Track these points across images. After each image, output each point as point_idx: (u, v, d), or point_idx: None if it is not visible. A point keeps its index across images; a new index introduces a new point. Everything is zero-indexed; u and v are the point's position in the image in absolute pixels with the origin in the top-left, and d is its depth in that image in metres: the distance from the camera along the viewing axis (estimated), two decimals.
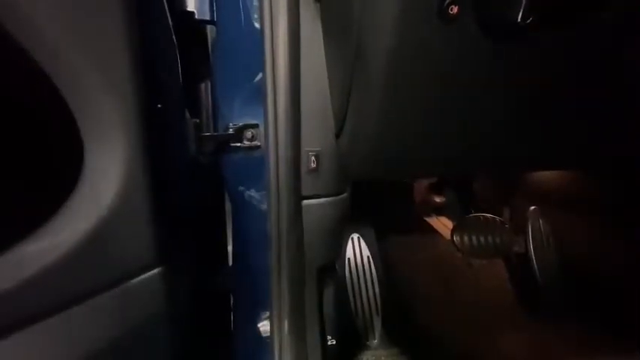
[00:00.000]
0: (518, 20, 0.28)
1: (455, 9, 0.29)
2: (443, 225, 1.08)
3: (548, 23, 0.31)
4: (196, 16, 0.53)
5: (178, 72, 0.47)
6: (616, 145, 0.50)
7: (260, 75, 0.49)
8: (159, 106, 0.41)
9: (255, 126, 0.52)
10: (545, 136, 0.45)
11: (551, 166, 0.66)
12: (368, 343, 0.81)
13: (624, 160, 0.56)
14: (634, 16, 0.33)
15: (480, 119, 0.40)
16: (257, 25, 0.48)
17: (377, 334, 0.81)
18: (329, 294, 0.81)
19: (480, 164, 0.53)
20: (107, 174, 0.34)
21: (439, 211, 1.12)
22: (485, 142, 0.44)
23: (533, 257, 0.91)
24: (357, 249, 0.86)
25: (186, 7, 0.52)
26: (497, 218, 0.96)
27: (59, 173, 0.35)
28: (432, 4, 0.30)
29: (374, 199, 0.94)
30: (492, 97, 0.38)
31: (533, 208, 0.93)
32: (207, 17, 0.54)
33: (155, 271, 0.38)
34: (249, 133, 0.52)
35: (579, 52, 0.35)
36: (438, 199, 1.12)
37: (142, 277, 0.37)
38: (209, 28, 0.56)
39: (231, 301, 0.64)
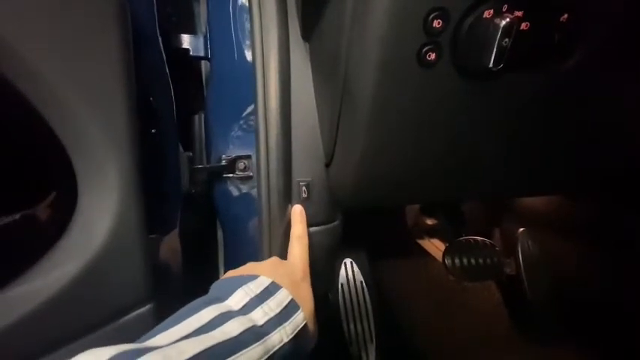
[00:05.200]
0: (490, 66, 0.31)
1: (432, 55, 0.32)
2: (435, 247, 1.08)
3: (519, 68, 0.34)
4: (191, 53, 0.55)
5: (172, 109, 0.49)
6: (596, 169, 0.52)
7: (252, 108, 0.51)
8: (153, 140, 0.42)
9: (248, 157, 0.53)
10: (527, 164, 0.47)
11: (537, 192, 0.68)
12: None
13: (609, 183, 0.58)
14: (591, 67, 0.36)
15: (462, 150, 0.42)
16: (249, 60, 0.51)
17: None
18: (322, 321, 0.80)
19: (464, 193, 0.55)
20: (100, 211, 0.34)
21: (431, 233, 1.13)
22: (469, 172, 0.46)
23: (525, 279, 0.91)
24: (350, 274, 0.86)
25: (181, 44, 0.55)
26: (488, 241, 0.97)
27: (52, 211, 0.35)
28: (412, 49, 0.32)
29: (366, 223, 0.94)
30: (474, 130, 0.41)
31: (522, 229, 0.95)
32: (202, 54, 0.56)
33: (148, 306, 0.38)
34: (241, 164, 0.53)
35: (552, 88, 0.38)
36: (429, 222, 1.13)
37: (135, 313, 0.37)
38: (203, 63, 0.59)
39: None
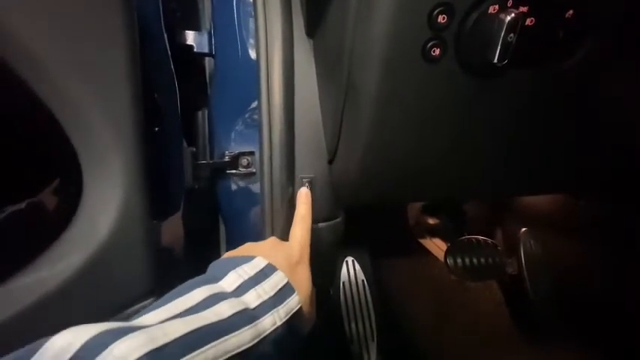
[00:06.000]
0: (495, 61, 0.31)
1: (437, 51, 0.32)
2: (437, 247, 1.08)
3: (523, 65, 0.34)
4: (195, 49, 0.55)
5: (177, 103, 0.49)
6: (597, 169, 0.52)
7: (255, 104, 0.51)
8: (157, 136, 0.42)
9: (251, 153, 0.53)
10: (528, 162, 0.47)
11: (538, 191, 0.68)
12: None
13: (611, 183, 0.58)
14: (594, 65, 0.36)
15: (465, 148, 0.42)
16: (253, 57, 0.51)
17: None
18: (323, 319, 0.80)
19: (467, 191, 0.55)
20: (105, 204, 0.35)
21: (433, 232, 1.13)
22: (471, 170, 0.46)
23: (527, 279, 0.91)
24: (351, 272, 0.86)
25: (186, 41, 0.55)
26: (490, 240, 0.97)
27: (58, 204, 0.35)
28: (416, 45, 0.32)
29: (368, 222, 0.94)
30: (476, 127, 0.41)
31: (524, 229, 0.95)
32: (206, 50, 0.56)
33: (150, 299, 0.38)
34: (244, 160, 0.53)
35: (556, 85, 0.38)
36: (431, 221, 1.13)
37: (138, 305, 0.37)
38: (207, 60, 0.59)
39: None
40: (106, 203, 0.35)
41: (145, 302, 0.37)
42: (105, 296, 0.36)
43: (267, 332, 0.29)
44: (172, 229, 0.49)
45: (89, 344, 0.21)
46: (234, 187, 0.55)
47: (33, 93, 0.32)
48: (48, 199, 0.39)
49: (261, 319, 0.29)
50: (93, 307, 0.36)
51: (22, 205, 0.36)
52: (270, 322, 0.30)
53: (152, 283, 0.39)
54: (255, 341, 0.28)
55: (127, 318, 0.27)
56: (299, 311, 0.33)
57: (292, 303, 0.32)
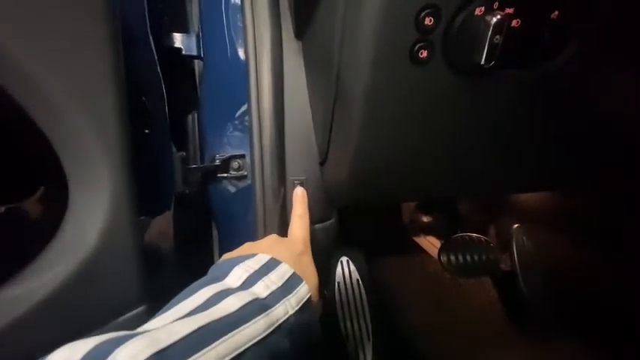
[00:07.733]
0: (482, 63, 0.31)
1: (424, 53, 0.32)
2: (431, 244, 1.09)
3: (510, 65, 0.34)
4: (184, 52, 0.55)
5: (165, 108, 0.49)
6: (589, 166, 0.52)
7: (245, 107, 0.51)
8: (145, 142, 0.41)
9: (242, 156, 0.53)
10: (518, 161, 0.48)
11: (529, 189, 0.69)
12: None
13: (604, 180, 0.59)
14: (581, 64, 0.36)
15: (455, 147, 0.43)
16: (242, 59, 0.50)
17: (368, 359, 0.80)
18: (319, 319, 0.80)
19: (458, 190, 0.55)
20: (92, 212, 0.34)
21: (427, 230, 1.14)
22: (460, 169, 0.46)
23: (520, 275, 0.92)
24: (346, 272, 0.86)
25: (173, 43, 0.54)
26: (483, 237, 0.98)
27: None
28: (404, 47, 0.32)
29: (362, 221, 0.95)
30: (466, 127, 0.41)
31: (516, 226, 0.96)
32: (194, 53, 0.55)
33: (141, 308, 0.38)
34: (235, 164, 0.53)
35: (543, 84, 0.38)
36: (425, 219, 1.14)
37: (128, 315, 0.37)
38: (196, 62, 0.58)
39: None
40: (92, 211, 0.34)
41: (136, 311, 0.37)
42: (94, 305, 0.36)
43: (281, 321, 0.28)
44: (163, 234, 0.49)
45: (90, 354, 0.21)
46: (225, 190, 0.54)
47: (15, 101, 0.31)
48: (33, 207, 0.38)
49: (273, 308, 0.28)
50: (83, 317, 0.35)
51: (2, 209, 0.35)
52: (283, 310, 0.29)
53: (142, 291, 0.38)
54: (270, 330, 0.27)
55: (118, 327, 0.27)
56: (309, 300, 0.32)
57: (302, 292, 0.32)
